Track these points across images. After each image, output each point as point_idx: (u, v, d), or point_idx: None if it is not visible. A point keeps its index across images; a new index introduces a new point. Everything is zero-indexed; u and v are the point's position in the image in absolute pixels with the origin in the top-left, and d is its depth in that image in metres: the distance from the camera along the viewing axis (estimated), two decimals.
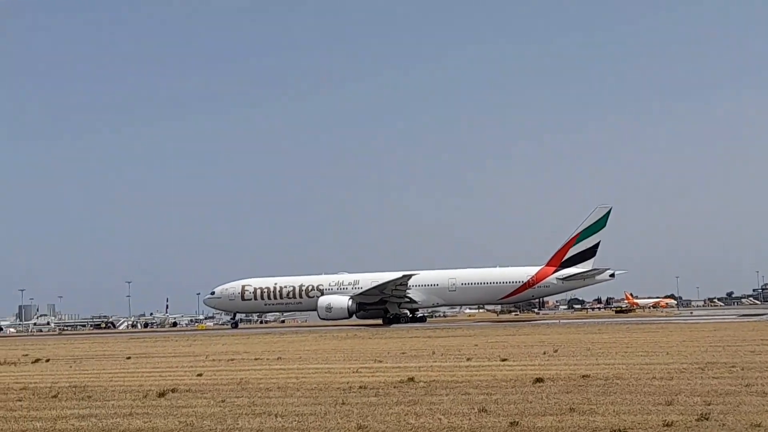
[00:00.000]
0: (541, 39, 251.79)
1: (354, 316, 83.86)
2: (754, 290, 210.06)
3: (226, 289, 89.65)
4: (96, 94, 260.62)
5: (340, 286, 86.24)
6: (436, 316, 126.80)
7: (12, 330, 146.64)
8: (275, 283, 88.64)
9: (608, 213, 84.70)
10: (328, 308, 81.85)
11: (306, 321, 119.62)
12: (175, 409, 17.90)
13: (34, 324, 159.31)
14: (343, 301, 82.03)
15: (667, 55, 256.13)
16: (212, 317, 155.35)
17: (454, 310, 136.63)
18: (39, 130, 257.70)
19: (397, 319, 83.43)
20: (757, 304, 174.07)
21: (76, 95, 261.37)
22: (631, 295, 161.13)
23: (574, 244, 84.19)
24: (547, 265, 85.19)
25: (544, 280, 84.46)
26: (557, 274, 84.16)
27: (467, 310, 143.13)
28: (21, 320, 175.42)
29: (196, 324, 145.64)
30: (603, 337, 41.44)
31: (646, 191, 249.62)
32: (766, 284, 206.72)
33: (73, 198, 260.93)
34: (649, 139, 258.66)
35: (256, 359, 32.96)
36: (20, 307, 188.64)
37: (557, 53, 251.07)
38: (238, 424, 15.69)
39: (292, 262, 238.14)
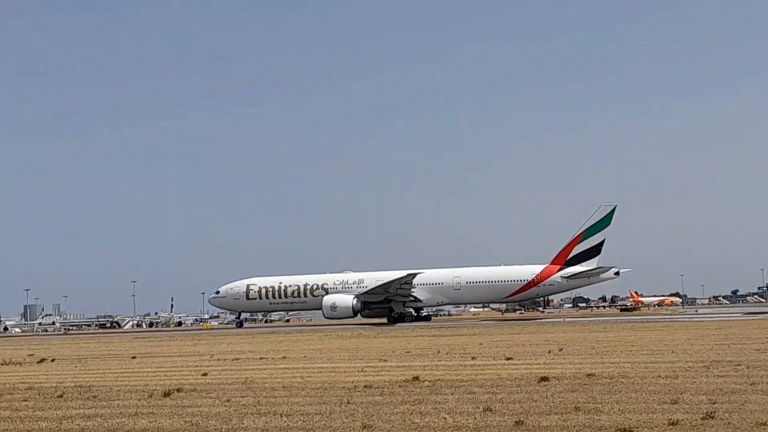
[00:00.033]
0: (542, 39, 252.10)
1: (359, 315, 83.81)
2: (759, 288, 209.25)
3: (231, 289, 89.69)
4: (97, 94, 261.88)
5: (344, 285, 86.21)
6: (440, 315, 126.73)
7: (17, 330, 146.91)
8: (280, 282, 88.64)
9: (613, 211, 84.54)
10: (333, 307, 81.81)
11: (311, 320, 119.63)
12: (180, 408, 17.93)
13: (39, 324, 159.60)
14: (347, 300, 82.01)
15: (669, 54, 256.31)
16: (217, 316, 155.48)
17: (458, 308, 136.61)
18: (41, 131, 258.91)
19: (402, 318, 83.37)
20: (762, 301, 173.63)
21: (78, 95, 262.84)
22: (636, 293, 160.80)
23: (579, 243, 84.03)
24: (552, 263, 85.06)
25: (548, 279, 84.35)
26: (562, 273, 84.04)
27: (472, 309, 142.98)
28: (26, 320, 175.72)
29: (201, 323, 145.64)
30: (608, 335, 41.40)
31: (651, 189, 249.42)
32: None
33: (78, 198, 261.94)
34: (653, 137, 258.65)
35: (261, 358, 32.99)
36: (25, 306, 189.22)
37: (558, 53, 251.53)
38: (243, 423, 15.71)
39: (296, 261, 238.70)
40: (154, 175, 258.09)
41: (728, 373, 20.81)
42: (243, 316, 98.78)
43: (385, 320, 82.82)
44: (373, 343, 41.67)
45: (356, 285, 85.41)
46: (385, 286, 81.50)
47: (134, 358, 37.12)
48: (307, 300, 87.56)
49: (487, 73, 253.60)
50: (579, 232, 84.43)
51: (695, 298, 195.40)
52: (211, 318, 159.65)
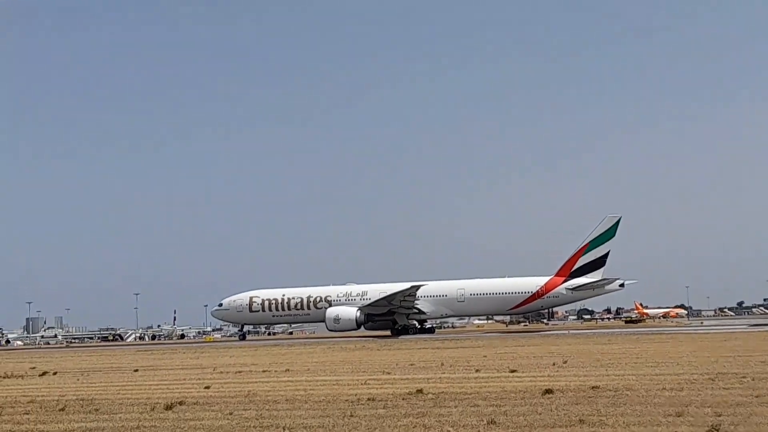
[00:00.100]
0: (546, 49, 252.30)
1: (362, 327, 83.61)
2: (764, 300, 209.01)
3: (234, 301, 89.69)
4: (99, 92, 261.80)
5: (348, 297, 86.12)
6: (444, 327, 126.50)
7: (19, 343, 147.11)
8: (283, 295, 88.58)
9: (618, 222, 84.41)
10: (336, 319, 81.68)
11: (314, 332, 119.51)
12: (182, 422, 17.85)
13: (42, 337, 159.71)
14: (351, 312, 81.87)
15: (674, 64, 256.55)
16: (220, 329, 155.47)
17: (462, 320, 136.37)
18: (43, 140, 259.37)
19: (406, 330, 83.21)
20: (767, 313, 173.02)
21: (77, 98, 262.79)
22: (641, 305, 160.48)
23: (584, 254, 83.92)
24: (557, 275, 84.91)
25: (553, 291, 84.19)
26: (566, 284, 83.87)
27: (476, 321, 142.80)
28: (28, 333, 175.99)
29: (204, 336, 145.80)
30: (613, 347, 41.22)
31: (656, 201, 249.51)
32: None
33: (80, 210, 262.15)
34: (659, 149, 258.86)
35: (264, 371, 32.87)
36: (27, 319, 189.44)
37: (562, 64, 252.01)
38: None
39: (299, 273, 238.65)
40: (158, 187, 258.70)
41: (734, 386, 20.66)
42: (246, 328, 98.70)
43: (388, 332, 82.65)
44: (376, 356, 41.53)
45: (359, 297, 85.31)
46: (389, 298, 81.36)
47: (137, 371, 37.02)
48: (311, 312, 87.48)
49: (490, 84, 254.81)
50: (584, 244, 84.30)
51: (700, 310, 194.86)
52: (213, 330, 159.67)
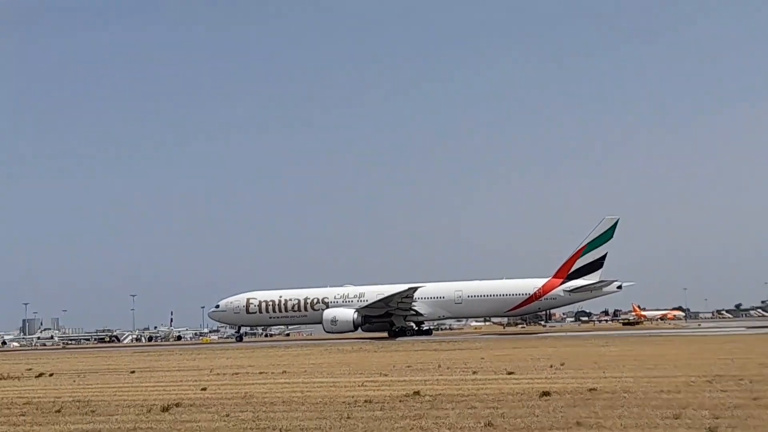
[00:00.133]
0: (545, 54, 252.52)
1: (359, 329, 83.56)
2: (762, 302, 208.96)
3: (231, 302, 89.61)
4: (99, 92, 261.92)
5: (345, 298, 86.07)
6: (442, 329, 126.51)
7: (15, 344, 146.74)
8: (280, 296, 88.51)
9: (615, 224, 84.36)
10: (334, 321, 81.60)
11: (311, 334, 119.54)
12: (179, 423, 17.81)
13: (38, 338, 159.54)
14: (348, 313, 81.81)
15: (672, 67, 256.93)
16: (217, 330, 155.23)
17: (460, 322, 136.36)
18: (40, 144, 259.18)
19: (403, 332, 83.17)
20: (765, 315, 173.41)
21: (76, 101, 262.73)
22: (639, 307, 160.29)
23: (581, 256, 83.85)
24: (554, 277, 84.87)
25: (551, 292, 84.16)
26: (564, 286, 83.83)
27: (473, 323, 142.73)
28: (25, 334, 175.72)
29: (201, 337, 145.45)
30: (610, 349, 41.19)
31: (654, 203, 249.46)
32: None
33: (77, 212, 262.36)
34: (657, 150, 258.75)
35: (260, 373, 32.81)
36: (24, 321, 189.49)
37: (559, 68, 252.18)
38: None
39: (296, 274, 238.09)
40: (155, 188, 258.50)
41: (731, 388, 20.64)
42: (243, 330, 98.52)
43: (385, 334, 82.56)
44: (373, 358, 41.49)
45: (357, 299, 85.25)
46: (386, 300, 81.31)
47: (133, 372, 36.95)
48: (308, 314, 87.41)
49: (489, 88, 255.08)
50: (581, 246, 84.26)
51: (698, 312, 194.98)
52: (210, 332, 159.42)
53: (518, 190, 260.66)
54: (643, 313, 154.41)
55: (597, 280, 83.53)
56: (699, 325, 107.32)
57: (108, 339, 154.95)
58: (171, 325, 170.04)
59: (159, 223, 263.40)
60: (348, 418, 17.54)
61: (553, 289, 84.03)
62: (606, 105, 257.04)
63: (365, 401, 20.32)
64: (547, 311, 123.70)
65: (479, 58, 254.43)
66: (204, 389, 25.55)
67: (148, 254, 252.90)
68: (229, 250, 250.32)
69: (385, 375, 29.10)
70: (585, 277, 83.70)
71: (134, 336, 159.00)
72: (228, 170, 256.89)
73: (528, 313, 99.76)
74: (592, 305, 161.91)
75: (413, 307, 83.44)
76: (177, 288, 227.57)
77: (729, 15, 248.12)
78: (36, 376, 36.29)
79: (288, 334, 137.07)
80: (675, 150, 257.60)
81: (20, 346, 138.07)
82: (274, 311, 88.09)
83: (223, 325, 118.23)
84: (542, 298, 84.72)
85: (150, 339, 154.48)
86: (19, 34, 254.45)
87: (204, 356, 51.65)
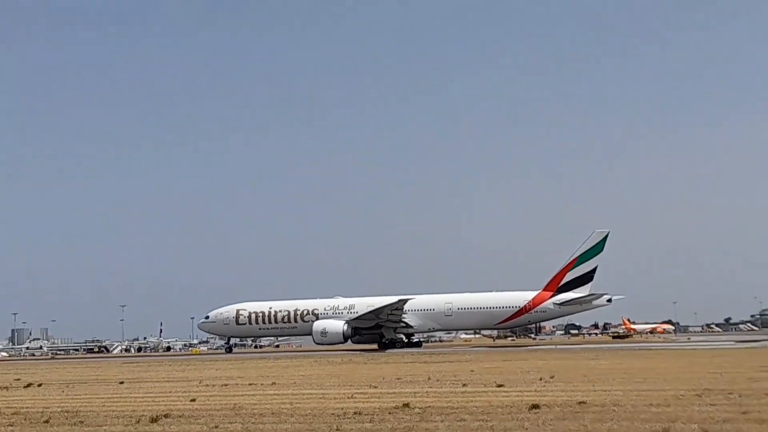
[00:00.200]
0: (541, 65, 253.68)
1: (349, 340, 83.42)
2: (752, 316, 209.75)
3: (221, 314, 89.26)
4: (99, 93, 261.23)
5: (335, 310, 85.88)
6: (432, 341, 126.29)
7: (4, 354, 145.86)
8: (270, 308, 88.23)
9: (606, 237, 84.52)
10: (323, 333, 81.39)
11: (301, 345, 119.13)
12: None
13: (27, 348, 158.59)
14: (338, 325, 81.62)
15: (662, 81, 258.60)
16: (206, 342, 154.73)
17: (450, 335, 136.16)
18: (34, 148, 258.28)
19: (393, 344, 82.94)
20: (755, 330, 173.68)
21: (74, 105, 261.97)
22: (629, 320, 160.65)
23: (572, 269, 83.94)
24: (544, 289, 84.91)
25: (541, 305, 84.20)
26: (554, 299, 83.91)
27: (463, 335, 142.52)
28: (13, 344, 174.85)
29: (190, 348, 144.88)
30: (600, 363, 41.24)
31: (644, 216, 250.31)
32: (764, 310, 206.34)
33: (67, 222, 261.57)
34: (647, 164, 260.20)
35: (250, 384, 32.70)
36: (13, 330, 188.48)
37: (554, 79, 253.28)
38: None
39: (286, 286, 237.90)
40: (145, 199, 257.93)
41: (720, 402, 20.70)
42: (232, 341, 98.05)
43: (375, 346, 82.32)
44: (363, 370, 41.41)
45: (347, 310, 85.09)
46: (376, 312, 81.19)
47: (122, 383, 36.75)
48: (298, 325, 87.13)
49: (483, 99, 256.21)
50: (572, 259, 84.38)
51: (688, 326, 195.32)
52: (200, 343, 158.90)
53: (518, 192, 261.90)
54: (632, 326, 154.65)
55: (587, 293, 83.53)
56: (688, 338, 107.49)
57: (97, 349, 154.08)
58: (161, 336, 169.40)
59: (149, 234, 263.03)
60: (337, 430, 17.50)
61: (543, 302, 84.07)
62: (596, 118, 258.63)
63: (355, 413, 20.27)
64: (537, 324, 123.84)
65: (479, 59, 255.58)
66: (193, 400, 25.45)
67: (138, 265, 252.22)
68: (219, 261, 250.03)
69: (375, 387, 29.04)
70: (575, 291, 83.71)
71: (123, 347, 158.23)
72: (218, 183, 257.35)
73: (518, 325, 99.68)
74: (582, 318, 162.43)
75: (403, 319, 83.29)
76: (167, 299, 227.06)
77: (729, 17, 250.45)
78: (24, 386, 36.06)
79: (278, 346, 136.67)
80: (666, 164, 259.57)
81: (9, 356, 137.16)
82: (263, 322, 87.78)
83: (212, 336, 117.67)
84: (532, 311, 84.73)
85: (139, 350, 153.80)
86: (19, 34, 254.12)
87: (193, 367, 51.42)
